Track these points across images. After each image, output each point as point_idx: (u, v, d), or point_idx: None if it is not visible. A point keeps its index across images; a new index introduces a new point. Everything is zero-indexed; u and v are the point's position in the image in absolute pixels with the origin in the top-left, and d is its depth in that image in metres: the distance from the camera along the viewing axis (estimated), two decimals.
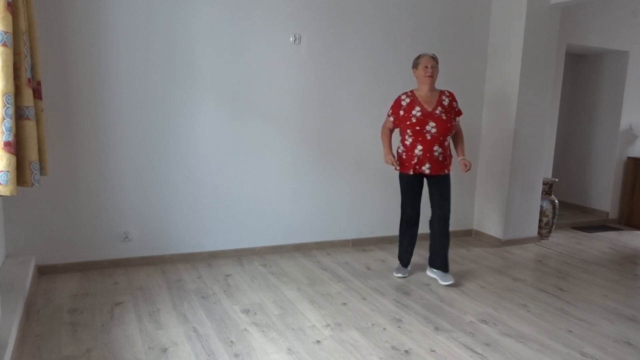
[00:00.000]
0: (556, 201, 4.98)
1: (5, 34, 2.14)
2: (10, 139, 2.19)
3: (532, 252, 4.52)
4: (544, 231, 4.93)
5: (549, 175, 5.35)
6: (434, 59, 3.41)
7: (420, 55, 3.44)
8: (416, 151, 3.40)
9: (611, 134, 5.85)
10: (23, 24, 2.42)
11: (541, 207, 4.88)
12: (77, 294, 3.13)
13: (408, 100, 3.45)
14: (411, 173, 3.45)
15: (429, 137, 3.38)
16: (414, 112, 3.40)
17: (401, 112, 3.45)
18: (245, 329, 2.72)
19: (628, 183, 5.81)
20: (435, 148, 3.39)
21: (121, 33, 3.44)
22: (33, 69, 2.68)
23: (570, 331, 2.86)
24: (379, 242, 4.54)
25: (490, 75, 4.76)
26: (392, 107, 3.53)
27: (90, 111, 3.43)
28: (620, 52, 5.69)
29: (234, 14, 3.73)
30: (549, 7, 4.46)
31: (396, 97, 3.56)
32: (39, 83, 2.77)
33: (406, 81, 4.42)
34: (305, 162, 4.14)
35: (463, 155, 3.56)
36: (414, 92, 3.49)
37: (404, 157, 3.50)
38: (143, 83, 3.54)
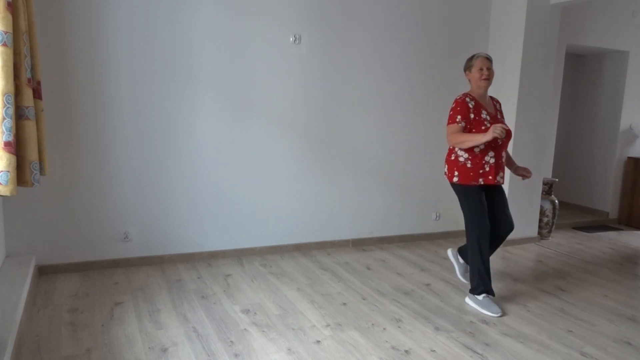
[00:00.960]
0: (556, 201, 4.98)
1: (6, 34, 2.14)
2: (11, 139, 2.19)
3: (532, 252, 4.51)
4: (544, 231, 4.93)
5: (549, 175, 5.35)
6: (489, 59, 3.09)
7: (473, 56, 3.13)
8: (487, 158, 3.04)
9: (611, 134, 5.85)
10: (23, 24, 2.42)
11: (541, 207, 4.88)
12: (77, 294, 3.13)
13: (473, 102, 3.07)
14: (482, 183, 3.07)
15: (499, 143, 3.05)
16: (483, 116, 3.05)
17: (471, 115, 3.04)
18: (245, 329, 2.72)
19: (628, 183, 5.81)
20: (503, 154, 3.13)
21: (121, 33, 3.44)
22: (33, 68, 2.68)
23: (570, 331, 2.86)
24: (379, 242, 4.54)
25: None
26: (459, 111, 3.04)
27: (90, 111, 3.43)
28: (620, 52, 5.69)
29: (234, 14, 3.73)
30: (549, 7, 4.46)
31: (457, 99, 3.11)
32: (38, 83, 2.77)
33: (406, 80, 4.43)
34: (306, 162, 4.14)
35: (516, 164, 3.36)
36: (472, 94, 3.13)
37: (468, 165, 3.06)
38: (143, 83, 3.54)
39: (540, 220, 4.89)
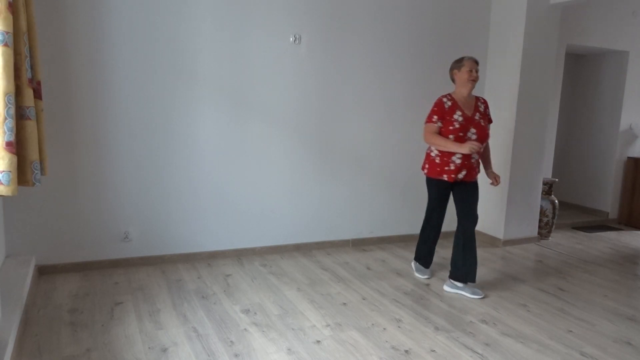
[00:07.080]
0: (556, 201, 4.98)
1: (7, 34, 2.14)
2: (12, 138, 2.19)
3: (532, 252, 4.52)
4: (544, 231, 4.93)
5: (549, 175, 5.35)
6: (477, 62, 3.30)
7: (463, 58, 3.31)
8: (454, 158, 3.26)
9: (611, 134, 5.85)
10: (23, 24, 2.42)
11: (541, 207, 4.88)
12: (77, 294, 3.13)
13: (450, 103, 3.29)
14: (445, 179, 3.31)
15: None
16: (455, 117, 3.25)
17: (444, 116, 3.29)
18: (245, 329, 2.72)
19: (628, 183, 5.81)
20: (474, 155, 3.27)
21: (122, 33, 3.43)
22: (33, 68, 2.68)
23: (570, 331, 2.87)
24: (379, 242, 4.54)
25: (490, 75, 4.76)
26: (436, 111, 3.30)
27: (90, 111, 3.43)
28: (620, 52, 5.69)
29: (235, 14, 3.73)
30: (549, 7, 4.46)
31: (437, 99, 3.36)
32: (38, 83, 2.77)
33: (406, 80, 4.43)
34: (306, 162, 4.14)
35: (491, 167, 3.49)
36: (452, 95, 3.34)
37: (437, 161, 3.34)
38: (143, 83, 3.54)
39: (540, 220, 4.89)
